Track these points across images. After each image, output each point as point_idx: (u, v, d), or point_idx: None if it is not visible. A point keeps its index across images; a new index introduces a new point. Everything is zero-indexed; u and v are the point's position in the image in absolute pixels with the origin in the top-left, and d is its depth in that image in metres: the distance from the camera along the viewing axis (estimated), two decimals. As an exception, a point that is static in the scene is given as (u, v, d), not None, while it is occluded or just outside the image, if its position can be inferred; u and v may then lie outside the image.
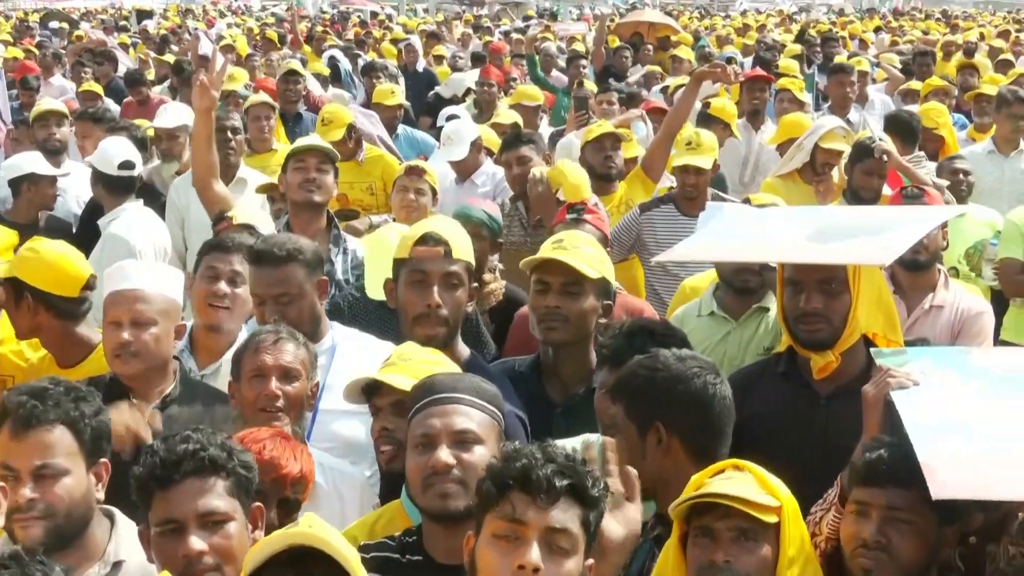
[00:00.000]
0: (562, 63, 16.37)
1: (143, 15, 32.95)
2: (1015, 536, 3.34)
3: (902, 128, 8.80)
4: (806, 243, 4.12)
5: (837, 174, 8.11)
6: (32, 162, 7.89)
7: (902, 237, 4.11)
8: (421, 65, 17.40)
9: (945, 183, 7.60)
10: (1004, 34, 21.41)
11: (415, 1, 46.42)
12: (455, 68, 17.47)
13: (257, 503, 3.23)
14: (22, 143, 9.49)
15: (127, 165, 7.31)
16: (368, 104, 11.77)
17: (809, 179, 8.19)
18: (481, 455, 3.28)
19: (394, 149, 9.74)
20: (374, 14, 36.49)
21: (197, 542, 3.05)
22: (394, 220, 7.17)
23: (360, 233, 7.27)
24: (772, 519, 3.09)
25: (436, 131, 10.79)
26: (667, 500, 3.24)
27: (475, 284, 4.47)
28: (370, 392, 3.89)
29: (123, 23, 30.01)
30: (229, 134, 8.06)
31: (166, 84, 14.55)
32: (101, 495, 3.46)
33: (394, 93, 10.83)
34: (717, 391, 3.58)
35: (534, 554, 2.68)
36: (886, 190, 7.18)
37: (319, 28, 25.99)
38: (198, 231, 7.20)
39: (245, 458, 3.22)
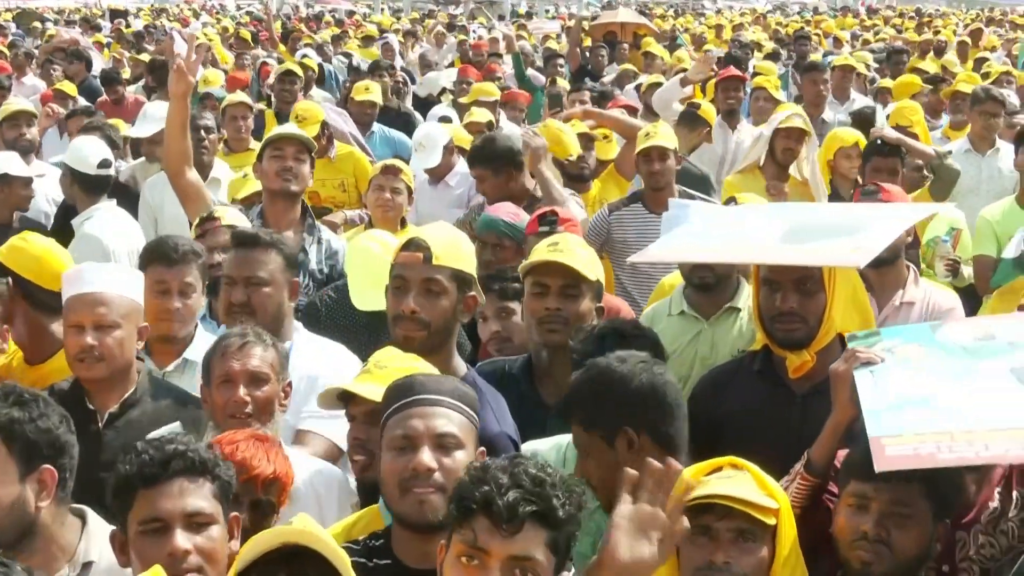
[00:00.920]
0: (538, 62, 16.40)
1: (117, 14, 32.78)
2: (985, 525, 3.37)
3: (863, 122, 8.89)
4: (781, 244, 4.13)
5: (799, 172, 8.14)
6: (6, 162, 7.85)
7: (877, 237, 4.13)
8: (399, 63, 17.37)
9: (947, 150, 7.63)
10: (975, 32, 21.49)
11: (391, 0, 46.34)
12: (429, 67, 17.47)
13: (234, 513, 3.22)
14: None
15: (105, 164, 7.31)
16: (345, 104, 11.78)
17: (771, 174, 8.19)
18: (461, 461, 3.20)
19: (365, 146, 9.75)
20: (350, 13, 36.41)
21: (183, 541, 3.04)
22: (368, 217, 7.17)
23: (336, 227, 7.26)
24: (772, 521, 3.11)
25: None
26: None
27: (471, 293, 4.24)
28: (345, 400, 3.85)
29: (97, 22, 29.85)
30: (202, 133, 8.05)
31: (141, 83, 14.48)
32: (45, 503, 3.36)
33: (368, 89, 10.81)
34: (666, 380, 3.63)
35: None
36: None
37: (297, 26, 25.90)
38: (172, 230, 7.16)
39: (228, 466, 3.23)
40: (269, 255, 4.77)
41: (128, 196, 8.11)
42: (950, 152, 7.71)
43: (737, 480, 3.15)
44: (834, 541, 3.47)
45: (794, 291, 4.05)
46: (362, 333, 5.26)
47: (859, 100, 12.22)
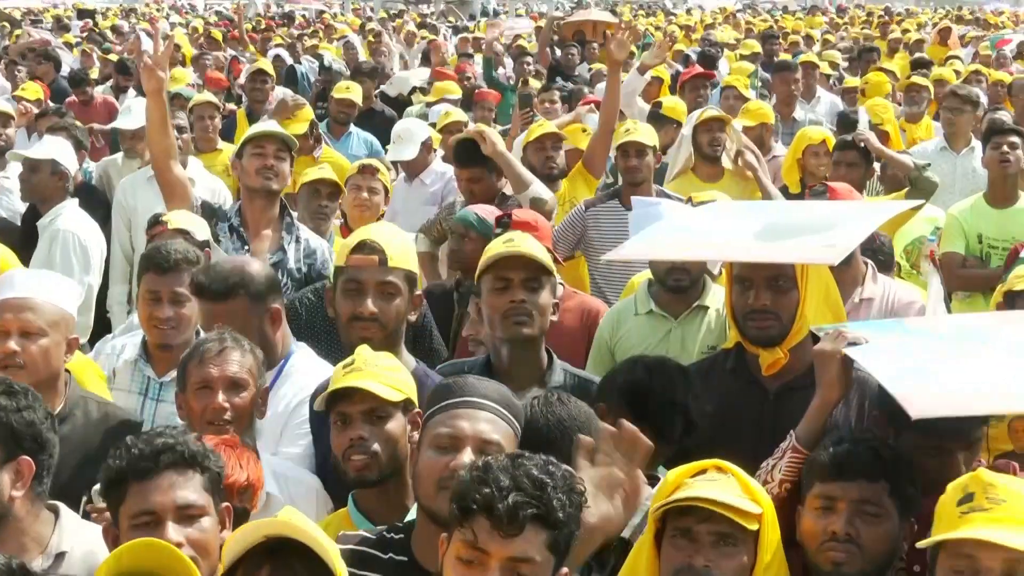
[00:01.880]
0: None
1: (85, 14, 32.60)
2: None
3: (848, 126, 8.95)
4: (755, 242, 4.15)
5: (729, 161, 8.23)
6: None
7: (849, 234, 4.16)
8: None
9: (925, 163, 7.72)
10: (944, 30, 21.58)
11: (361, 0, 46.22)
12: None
13: (225, 503, 3.23)
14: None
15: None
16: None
17: (704, 173, 8.26)
18: None
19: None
20: (320, 12, 36.30)
21: (175, 533, 3.04)
22: (345, 218, 7.17)
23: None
24: (754, 526, 3.09)
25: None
26: None
27: (417, 292, 4.36)
28: (333, 400, 3.77)
29: (66, 22, 29.68)
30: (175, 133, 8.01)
31: (109, 83, 14.42)
32: (19, 492, 3.36)
33: (348, 88, 10.82)
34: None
35: None
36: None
37: (267, 25, 25.84)
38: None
39: (217, 457, 3.24)
40: (231, 303, 4.57)
41: (92, 197, 8.09)
42: (928, 164, 7.77)
43: (721, 483, 3.13)
44: (801, 546, 3.46)
45: (767, 288, 4.06)
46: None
47: (825, 97, 12.30)
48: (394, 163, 9.06)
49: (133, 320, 5.30)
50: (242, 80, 12.17)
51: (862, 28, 26.75)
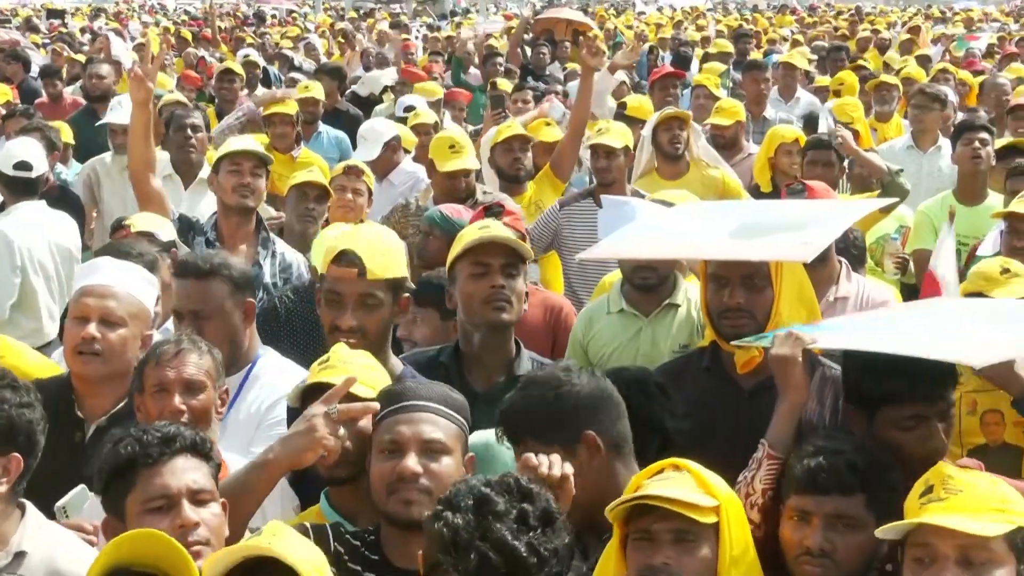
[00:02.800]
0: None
1: (54, 14, 32.45)
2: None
3: (810, 125, 8.99)
4: (729, 240, 4.16)
5: (690, 155, 8.31)
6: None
7: (823, 232, 4.18)
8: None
9: (899, 169, 7.76)
10: (914, 29, 21.68)
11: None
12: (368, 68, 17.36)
13: (223, 499, 3.26)
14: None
15: (22, 166, 7.24)
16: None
17: (668, 172, 8.30)
18: (448, 465, 3.36)
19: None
20: (290, 12, 36.22)
21: (192, 513, 3.11)
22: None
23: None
24: (710, 519, 3.09)
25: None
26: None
27: (404, 295, 4.34)
28: (306, 398, 3.77)
29: (36, 22, 29.53)
30: (189, 132, 7.95)
31: (78, 84, 14.33)
32: (2, 488, 3.35)
33: (308, 88, 10.80)
34: (607, 382, 3.66)
35: None
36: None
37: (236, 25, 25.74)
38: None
39: (217, 453, 3.31)
40: (211, 283, 4.61)
41: (64, 199, 8.04)
42: (902, 170, 7.81)
43: (675, 481, 3.14)
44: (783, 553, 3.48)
45: (741, 287, 4.07)
46: (321, 332, 5.23)
47: (804, 97, 12.32)
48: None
49: None
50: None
51: (832, 23, 26.81)
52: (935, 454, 3.59)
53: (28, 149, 7.45)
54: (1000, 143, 8.11)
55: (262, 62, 16.03)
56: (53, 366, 4.83)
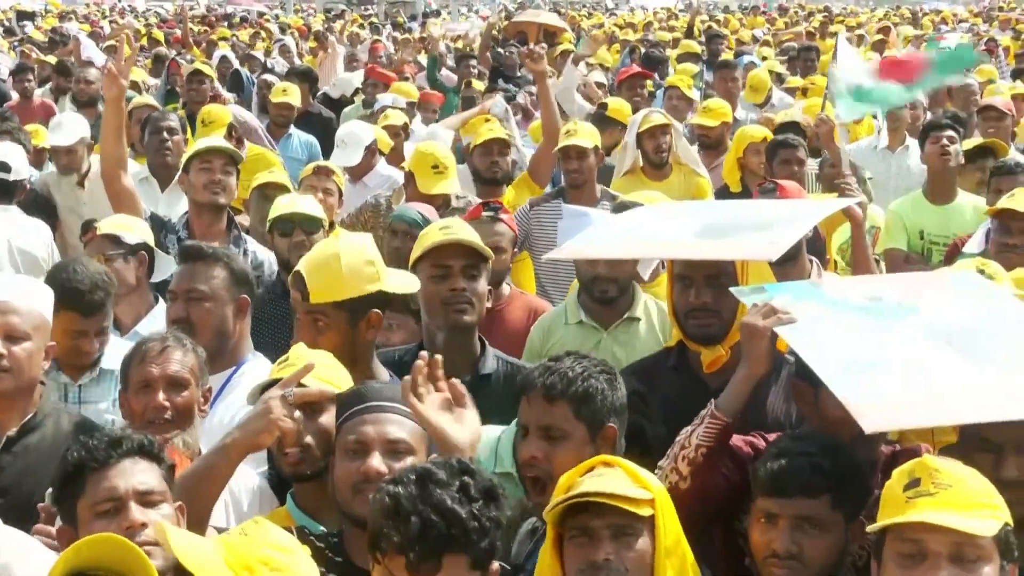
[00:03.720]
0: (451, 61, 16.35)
1: (23, 16, 32.29)
2: (869, 510, 3.39)
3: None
4: (695, 239, 4.18)
5: (675, 160, 8.37)
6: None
7: (789, 232, 4.19)
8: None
9: (868, 174, 7.80)
10: (884, 30, 21.79)
11: (302, 0, 46.06)
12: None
13: (179, 502, 3.25)
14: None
15: (1, 167, 7.22)
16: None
17: (653, 175, 8.37)
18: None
19: (273, 144, 9.77)
20: (260, 14, 36.12)
21: (140, 514, 3.09)
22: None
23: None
24: (647, 512, 3.12)
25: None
26: None
27: (373, 311, 4.27)
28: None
29: (8, 24, 29.40)
30: (166, 135, 7.92)
31: (48, 86, 14.28)
32: None
33: (285, 91, 10.79)
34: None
35: None
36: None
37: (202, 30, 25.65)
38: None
39: (167, 454, 3.29)
40: (209, 266, 4.69)
41: (36, 204, 8.01)
42: (871, 178, 7.87)
43: (609, 477, 3.16)
44: (751, 555, 3.50)
45: (707, 286, 4.10)
46: (290, 329, 5.23)
47: (775, 94, 12.38)
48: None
49: None
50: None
51: (804, 25, 26.90)
52: None
53: (8, 151, 7.41)
54: (971, 143, 8.17)
55: (236, 63, 16.02)
56: None
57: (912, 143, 9.07)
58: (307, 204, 6.04)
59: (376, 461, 3.36)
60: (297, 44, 20.99)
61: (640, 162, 8.45)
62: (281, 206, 6.03)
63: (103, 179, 6.45)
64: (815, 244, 6.18)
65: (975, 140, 8.49)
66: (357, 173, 8.66)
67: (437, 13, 36.69)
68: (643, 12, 35.12)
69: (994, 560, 2.95)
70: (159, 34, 20.77)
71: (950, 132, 7.59)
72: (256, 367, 4.71)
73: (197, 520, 3.31)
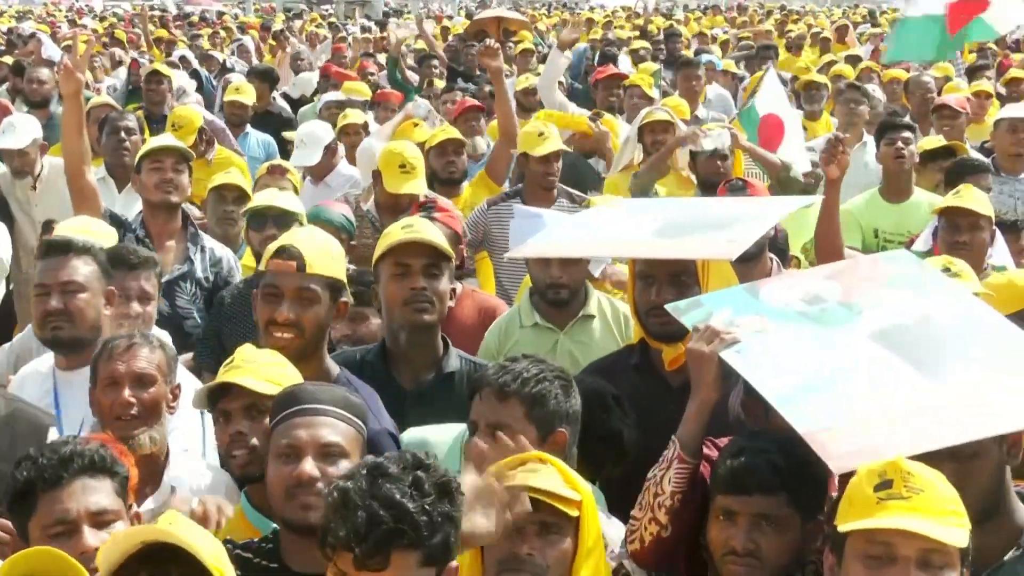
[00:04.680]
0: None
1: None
2: (828, 514, 3.41)
3: None
4: (656, 238, 4.21)
5: (674, 161, 8.27)
6: None
7: (749, 230, 4.21)
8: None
9: (801, 167, 7.85)
10: (842, 28, 21.89)
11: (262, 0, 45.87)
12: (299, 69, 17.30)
13: (136, 510, 3.24)
14: None
15: None
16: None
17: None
18: (346, 469, 3.22)
19: (237, 147, 9.74)
20: (220, 14, 35.94)
21: (93, 539, 3.03)
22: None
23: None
24: (575, 512, 3.16)
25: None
26: None
27: (343, 299, 4.32)
28: (215, 397, 3.84)
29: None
30: (123, 135, 7.90)
31: (5, 86, 14.18)
32: None
33: (238, 90, 10.77)
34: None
35: None
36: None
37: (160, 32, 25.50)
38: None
39: (122, 464, 3.23)
40: (82, 261, 4.66)
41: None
42: (792, 166, 7.92)
43: (542, 473, 3.18)
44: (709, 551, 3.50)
45: (669, 284, 4.13)
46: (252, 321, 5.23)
47: (712, 94, 12.49)
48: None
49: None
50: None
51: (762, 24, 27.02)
52: None
53: None
54: (930, 143, 8.24)
55: (195, 63, 15.97)
56: None
57: (869, 140, 9.08)
58: (283, 199, 6.09)
59: (309, 466, 3.30)
60: (258, 46, 20.90)
61: (637, 159, 8.43)
62: (257, 200, 6.12)
63: (67, 175, 6.37)
64: (776, 242, 6.21)
65: (934, 140, 8.56)
66: (319, 173, 8.66)
67: (399, 13, 36.55)
68: (601, 11, 35.10)
69: (957, 568, 2.95)
70: (121, 34, 20.59)
71: (906, 133, 7.65)
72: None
73: None
